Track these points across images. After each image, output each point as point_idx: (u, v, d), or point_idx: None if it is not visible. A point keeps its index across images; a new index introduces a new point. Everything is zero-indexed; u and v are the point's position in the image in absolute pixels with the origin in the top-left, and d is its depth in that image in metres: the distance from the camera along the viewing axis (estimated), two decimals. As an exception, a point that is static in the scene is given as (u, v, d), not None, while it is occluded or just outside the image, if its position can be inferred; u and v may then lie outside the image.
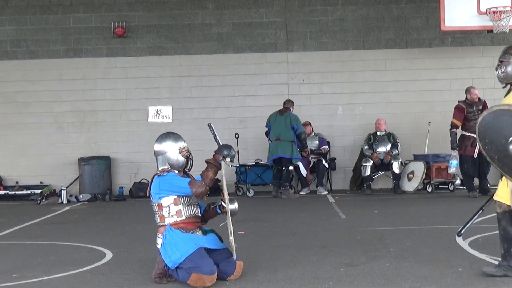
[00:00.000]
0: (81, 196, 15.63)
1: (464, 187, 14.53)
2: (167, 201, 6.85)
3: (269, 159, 15.06)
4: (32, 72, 16.66)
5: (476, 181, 14.41)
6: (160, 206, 6.87)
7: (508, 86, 6.89)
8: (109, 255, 8.65)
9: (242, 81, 16.61)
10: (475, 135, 13.75)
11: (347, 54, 16.72)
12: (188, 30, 16.72)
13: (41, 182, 16.40)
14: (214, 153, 7.03)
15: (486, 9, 14.45)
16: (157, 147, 7.19)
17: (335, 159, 16.37)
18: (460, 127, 14.20)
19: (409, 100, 16.56)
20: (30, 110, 16.69)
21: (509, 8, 14.42)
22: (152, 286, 6.88)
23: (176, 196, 6.85)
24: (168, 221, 6.85)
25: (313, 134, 16.02)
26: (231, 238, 6.90)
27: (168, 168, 6.99)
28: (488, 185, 14.47)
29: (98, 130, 16.74)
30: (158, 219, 6.92)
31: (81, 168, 16.12)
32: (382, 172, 15.81)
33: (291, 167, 14.89)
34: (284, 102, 15.27)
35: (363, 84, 16.59)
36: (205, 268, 6.61)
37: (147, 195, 7.09)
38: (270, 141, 15.08)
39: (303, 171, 15.31)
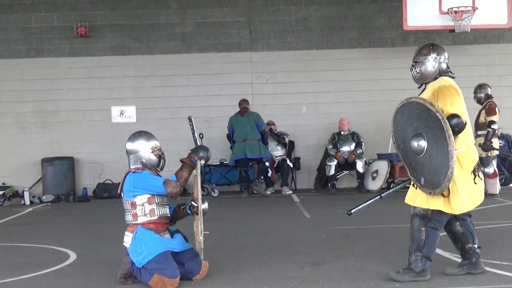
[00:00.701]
0: (44, 197, 15.50)
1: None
2: (141, 199, 6.78)
3: (232, 159, 15.07)
4: (-6, 72, 16.50)
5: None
6: (134, 204, 6.79)
7: (423, 86, 6.91)
8: (73, 256, 8.59)
9: (206, 80, 16.58)
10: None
11: (311, 53, 16.78)
12: (151, 29, 16.65)
13: (3, 183, 16.21)
14: (190, 151, 6.99)
15: (448, 9, 14.56)
16: (129, 146, 7.13)
17: (300, 158, 16.42)
18: None
19: (373, 99, 16.66)
20: (-9, 110, 16.52)
21: (470, 8, 14.54)
22: (117, 286, 6.84)
23: (150, 195, 6.79)
24: (140, 219, 6.78)
25: (276, 132, 16.03)
26: (201, 238, 6.89)
27: (141, 167, 6.93)
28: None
29: (61, 131, 16.61)
30: (130, 217, 6.85)
31: (44, 169, 15.99)
32: (347, 172, 15.89)
33: (267, 163, 14.98)
34: (240, 103, 15.25)
35: (327, 83, 16.66)
36: (168, 271, 6.58)
37: (118, 191, 7.03)
38: (233, 142, 15.08)
39: (268, 171, 15.34)
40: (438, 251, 7.90)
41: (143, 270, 6.67)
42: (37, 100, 16.57)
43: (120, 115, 16.63)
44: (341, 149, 15.54)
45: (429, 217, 6.61)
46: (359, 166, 15.30)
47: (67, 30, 16.57)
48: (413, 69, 6.91)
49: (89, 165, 16.57)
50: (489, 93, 13.58)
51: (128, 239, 6.84)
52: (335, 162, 15.44)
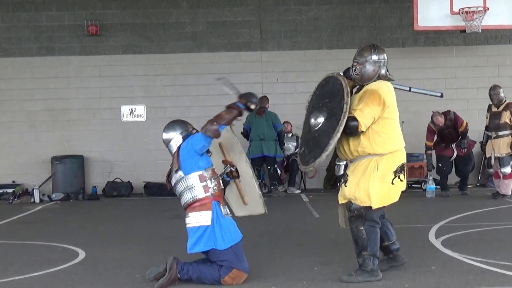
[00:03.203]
0: (54, 195, 15.53)
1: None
2: (208, 171, 6.65)
3: (249, 157, 15.06)
4: (5, 70, 16.54)
5: (450, 180, 14.55)
6: (203, 177, 6.61)
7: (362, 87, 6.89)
8: (82, 254, 8.61)
9: (216, 80, 16.55)
10: (449, 143, 13.97)
11: (321, 53, 16.76)
12: (162, 28, 16.67)
13: (13, 181, 16.27)
14: (238, 98, 6.82)
15: (459, 9, 14.54)
16: (165, 135, 6.97)
17: (309, 158, 16.38)
18: (441, 141, 14.24)
19: (383, 99, 16.58)
20: (2, 108, 16.58)
21: (481, 9, 14.52)
22: (125, 285, 6.85)
23: (213, 167, 6.71)
24: (211, 191, 6.61)
25: (291, 134, 16.04)
26: (260, 193, 6.93)
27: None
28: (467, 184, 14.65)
29: (71, 129, 16.65)
30: (200, 191, 6.61)
31: (54, 167, 16.03)
32: (356, 172, 15.84)
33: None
34: (259, 101, 15.18)
35: (337, 83, 16.60)
36: (244, 266, 6.62)
37: (176, 168, 6.72)
38: (250, 141, 15.05)
39: (278, 170, 15.34)
40: (447, 251, 7.90)
41: (212, 267, 6.59)
42: (48, 99, 16.61)
43: (130, 114, 16.65)
44: (351, 149, 15.49)
45: (364, 216, 6.68)
46: (369, 166, 15.25)
47: (78, 28, 16.60)
48: (353, 70, 6.87)
49: (99, 164, 16.60)
50: (503, 94, 13.59)
51: (204, 217, 6.58)
52: (345, 162, 15.32)
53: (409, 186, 15.37)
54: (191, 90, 16.61)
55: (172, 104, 16.55)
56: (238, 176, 7.01)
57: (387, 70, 6.93)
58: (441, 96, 8.02)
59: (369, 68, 6.80)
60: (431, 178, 14.31)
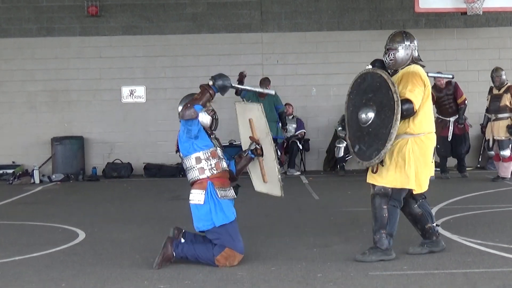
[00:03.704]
0: (53, 176, 15.55)
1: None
2: (205, 153, 6.69)
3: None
4: (5, 51, 16.50)
5: (449, 163, 14.56)
6: (199, 159, 6.67)
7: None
8: (82, 235, 8.63)
9: (216, 61, 16.54)
10: (447, 118, 14.01)
11: (322, 35, 16.72)
12: (162, 9, 16.62)
13: (13, 162, 16.28)
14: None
15: (460, -9, 14.50)
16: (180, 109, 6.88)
17: (309, 140, 16.41)
18: (438, 112, 14.24)
19: (383, 81, 16.57)
20: (2, 89, 16.56)
21: (483, -9, 14.47)
22: (126, 265, 6.87)
23: (213, 149, 6.73)
24: (207, 173, 6.67)
25: (292, 116, 16.04)
26: (279, 176, 6.94)
27: None
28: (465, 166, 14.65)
29: (71, 110, 16.64)
30: (196, 173, 6.69)
31: (54, 148, 16.03)
32: (356, 154, 15.84)
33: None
34: (261, 82, 15.17)
35: (337, 65, 16.60)
36: (239, 246, 6.62)
37: (176, 151, 6.89)
38: None
39: (278, 152, 15.35)
40: (446, 233, 7.92)
41: (206, 246, 6.62)
42: (48, 80, 16.58)
43: (130, 95, 16.63)
44: (350, 131, 15.47)
45: (390, 195, 6.77)
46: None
47: (78, 9, 16.55)
48: (387, 56, 7.02)
49: (99, 145, 16.60)
50: (505, 77, 13.56)
51: (198, 196, 6.66)
52: (345, 144, 15.38)
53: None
54: (191, 71, 16.57)
55: (172, 85, 16.53)
56: (262, 155, 7.03)
57: (418, 55, 7.12)
58: (452, 77, 8.60)
59: (402, 52, 6.98)
60: (431, 160, 14.28)
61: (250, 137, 7.13)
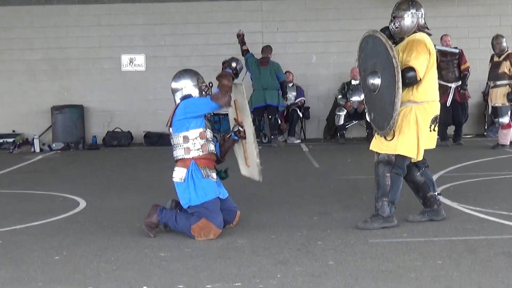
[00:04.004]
0: (54, 145, 15.56)
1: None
2: (194, 133, 6.66)
3: (251, 108, 15.03)
4: (3, 19, 16.44)
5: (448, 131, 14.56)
6: (186, 138, 6.64)
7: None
8: (82, 203, 8.65)
9: (216, 29, 16.49)
10: (448, 84, 14.00)
11: (322, 2, 16.64)
12: (161, -23, 16.53)
13: (13, 131, 16.29)
14: (222, 66, 6.87)
15: (461, -42, 14.41)
16: (174, 84, 6.90)
17: (309, 108, 16.39)
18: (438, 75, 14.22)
19: (384, 49, 16.52)
20: (1, 58, 16.54)
21: (484, -43, 14.38)
22: (127, 234, 6.89)
23: (203, 130, 6.69)
24: (193, 154, 6.65)
25: (292, 84, 16.00)
26: (258, 160, 6.90)
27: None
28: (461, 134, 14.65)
29: (71, 79, 16.61)
30: (181, 152, 6.68)
31: (54, 117, 16.03)
32: (356, 121, 15.85)
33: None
34: (263, 50, 15.13)
35: (338, 32, 16.54)
36: (217, 220, 6.55)
37: (167, 125, 6.82)
38: (253, 90, 14.96)
39: (278, 120, 15.35)
40: (446, 201, 7.94)
41: (186, 215, 6.62)
42: (47, 48, 16.53)
43: (129, 64, 16.58)
44: (351, 99, 15.46)
45: (393, 163, 6.77)
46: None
47: (76, -23, 16.48)
48: (392, 24, 6.98)
49: (99, 113, 16.59)
50: (505, 44, 13.51)
51: (180, 173, 6.66)
52: (345, 112, 15.41)
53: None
54: (191, 39, 16.52)
55: (171, 53, 16.48)
56: (245, 137, 7.02)
57: (425, 23, 7.05)
58: (459, 52, 8.21)
59: (408, 20, 6.93)
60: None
61: (234, 119, 7.10)
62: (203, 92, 6.88)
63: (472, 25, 16.59)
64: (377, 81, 6.68)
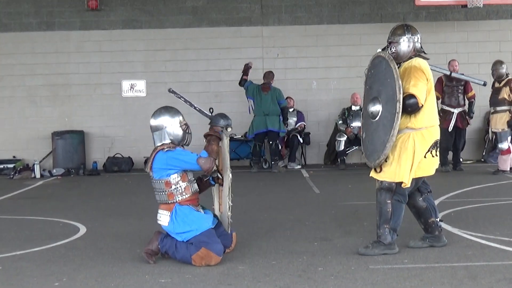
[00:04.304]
0: (54, 171, 15.55)
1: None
2: (175, 178, 6.65)
3: (252, 133, 15.07)
4: (5, 45, 16.49)
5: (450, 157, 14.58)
6: (168, 184, 6.64)
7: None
8: (83, 229, 8.64)
9: (217, 55, 16.55)
10: (451, 109, 14.04)
11: (322, 28, 16.70)
12: (162, 3, 16.60)
13: (14, 157, 16.29)
14: (210, 125, 6.86)
15: (461, -16, 14.49)
16: (154, 122, 6.84)
17: (310, 133, 16.40)
18: (444, 97, 14.27)
19: (384, 75, 16.57)
20: (2, 83, 16.54)
21: (483, -17, 14.46)
22: (127, 260, 6.88)
23: (183, 173, 6.69)
24: (177, 198, 6.65)
25: (292, 109, 16.03)
26: (229, 213, 6.92)
27: (170, 143, 6.76)
28: (461, 159, 14.65)
29: (72, 104, 16.64)
30: (164, 197, 6.68)
31: (55, 143, 16.03)
32: (356, 147, 15.82)
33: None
34: (265, 76, 15.17)
35: (338, 58, 16.59)
36: (216, 246, 6.51)
37: (147, 170, 6.81)
38: (254, 116, 14.99)
39: (279, 146, 15.36)
40: (447, 227, 7.92)
41: (186, 244, 6.58)
42: (48, 74, 16.58)
43: (130, 89, 16.62)
44: (351, 124, 15.48)
45: (394, 190, 6.76)
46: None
47: (78, 3, 16.53)
48: (388, 49, 6.98)
49: (99, 139, 16.60)
50: (504, 70, 13.56)
51: (165, 218, 6.68)
52: (345, 137, 15.42)
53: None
54: (192, 65, 16.57)
55: (172, 79, 16.51)
56: (222, 185, 7.03)
57: (421, 47, 7.08)
58: (484, 84, 8.04)
59: (404, 45, 6.95)
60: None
61: (217, 165, 7.08)
62: (182, 132, 6.82)
63: (472, 51, 16.64)
64: (376, 108, 6.71)
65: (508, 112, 13.29)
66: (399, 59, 6.94)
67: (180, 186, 6.69)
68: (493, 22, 16.70)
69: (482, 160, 16.02)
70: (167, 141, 6.78)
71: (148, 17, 16.61)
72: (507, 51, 16.45)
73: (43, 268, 6.66)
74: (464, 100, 14.23)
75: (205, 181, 7.07)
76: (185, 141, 6.87)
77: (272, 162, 15.03)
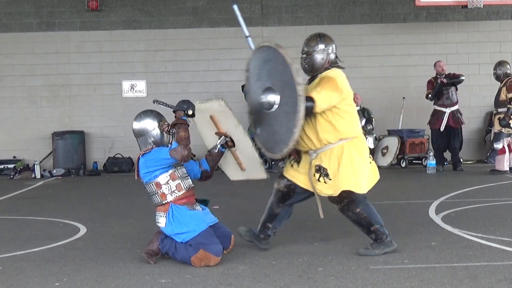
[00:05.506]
0: (54, 171, 15.56)
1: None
2: (164, 178, 6.64)
3: (253, 133, 15.04)
4: (5, 46, 16.49)
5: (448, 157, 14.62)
6: (159, 185, 6.63)
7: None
8: (83, 230, 8.64)
9: (217, 55, 16.55)
10: (443, 109, 14.09)
11: (322, 29, 16.51)
12: (162, 3, 16.61)
13: (14, 157, 16.29)
14: (174, 113, 6.76)
15: (461, -16, 14.51)
16: (136, 125, 6.87)
17: (310, 134, 16.38)
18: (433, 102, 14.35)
19: (384, 75, 16.60)
20: (3, 84, 16.55)
21: (483, -16, 14.48)
22: (127, 261, 6.88)
23: (172, 171, 6.66)
24: (169, 198, 6.64)
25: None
26: (257, 157, 7.02)
27: (152, 146, 6.77)
28: (461, 160, 14.65)
29: (72, 105, 16.64)
30: (158, 199, 6.67)
31: (55, 143, 16.04)
32: (356, 147, 15.85)
33: None
34: None
35: (338, 59, 16.56)
36: (214, 248, 6.50)
37: (136, 178, 6.87)
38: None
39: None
40: (447, 227, 7.92)
41: (183, 246, 6.57)
42: (48, 74, 16.58)
43: (130, 90, 16.63)
44: (351, 125, 15.46)
45: (355, 199, 6.75)
46: (369, 142, 15.25)
47: (78, 3, 16.54)
48: (302, 61, 6.90)
49: (100, 139, 16.61)
50: (508, 71, 13.56)
51: (162, 219, 6.66)
52: (346, 139, 15.40)
53: (409, 162, 15.41)
54: (192, 66, 16.57)
55: (172, 79, 16.52)
56: (234, 145, 7.03)
57: (337, 57, 6.96)
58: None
59: (318, 57, 6.87)
60: (431, 154, 14.32)
61: (216, 133, 7.11)
62: (165, 134, 6.80)
63: (472, 51, 16.65)
64: (271, 98, 6.49)
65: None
66: (314, 70, 6.84)
67: (170, 185, 6.67)
68: (493, 23, 16.71)
69: (485, 160, 16.00)
70: (150, 145, 6.79)
71: (148, 18, 16.61)
72: (507, 51, 16.46)
73: (43, 268, 6.66)
74: (457, 98, 14.26)
75: (215, 152, 7.06)
76: (170, 142, 6.84)
77: (273, 163, 15.03)
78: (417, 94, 15.77)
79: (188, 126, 6.64)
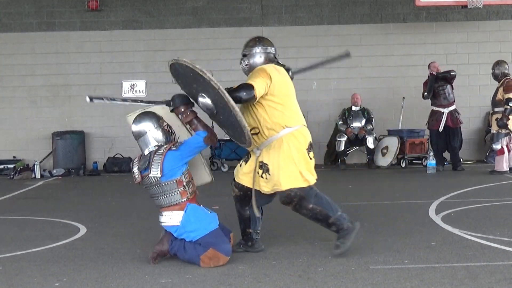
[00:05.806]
0: (54, 171, 15.56)
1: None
2: (185, 175, 6.62)
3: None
4: (5, 46, 16.50)
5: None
6: (180, 182, 6.57)
7: None
8: (83, 230, 8.63)
9: (217, 55, 16.55)
10: (441, 109, 14.12)
11: (322, 29, 16.71)
12: (162, 3, 16.61)
13: (14, 157, 16.30)
14: (173, 111, 6.76)
15: (461, -16, 14.52)
16: (135, 127, 6.87)
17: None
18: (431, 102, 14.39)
19: (384, 75, 16.61)
20: (3, 84, 16.56)
21: (483, -16, 14.49)
22: (127, 261, 6.87)
23: (186, 169, 6.64)
24: (187, 195, 6.60)
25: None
26: (203, 161, 7.06)
27: (159, 144, 6.73)
28: (461, 160, 14.66)
29: (72, 105, 16.64)
30: (177, 196, 6.57)
31: (55, 143, 16.04)
32: (357, 147, 15.88)
33: None
34: None
35: (338, 59, 16.57)
36: (224, 247, 6.51)
37: (159, 175, 6.58)
38: None
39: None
40: (447, 227, 7.92)
41: (194, 245, 6.55)
42: (48, 74, 16.59)
43: (130, 90, 16.63)
44: (351, 125, 15.51)
45: (305, 195, 6.70)
46: (369, 142, 15.29)
47: (78, 3, 16.55)
48: (242, 62, 6.96)
49: (100, 139, 16.61)
50: (506, 71, 13.56)
51: (177, 217, 6.57)
52: (345, 138, 15.42)
53: (409, 162, 15.42)
54: (192, 66, 16.55)
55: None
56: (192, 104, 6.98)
57: (275, 57, 7.07)
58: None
59: (257, 58, 6.95)
60: (431, 154, 14.32)
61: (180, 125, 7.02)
62: (168, 132, 6.80)
63: (472, 52, 16.66)
64: (206, 101, 6.48)
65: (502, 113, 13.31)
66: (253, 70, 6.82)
67: (190, 183, 6.66)
68: (493, 23, 16.72)
69: (485, 160, 16.00)
70: (154, 143, 6.78)
71: (148, 18, 16.62)
72: (507, 51, 16.47)
73: (43, 268, 6.65)
74: (454, 98, 14.28)
75: (188, 119, 6.75)
76: (172, 141, 6.81)
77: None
78: (417, 94, 15.77)
79: (196, 114, 6.67)
